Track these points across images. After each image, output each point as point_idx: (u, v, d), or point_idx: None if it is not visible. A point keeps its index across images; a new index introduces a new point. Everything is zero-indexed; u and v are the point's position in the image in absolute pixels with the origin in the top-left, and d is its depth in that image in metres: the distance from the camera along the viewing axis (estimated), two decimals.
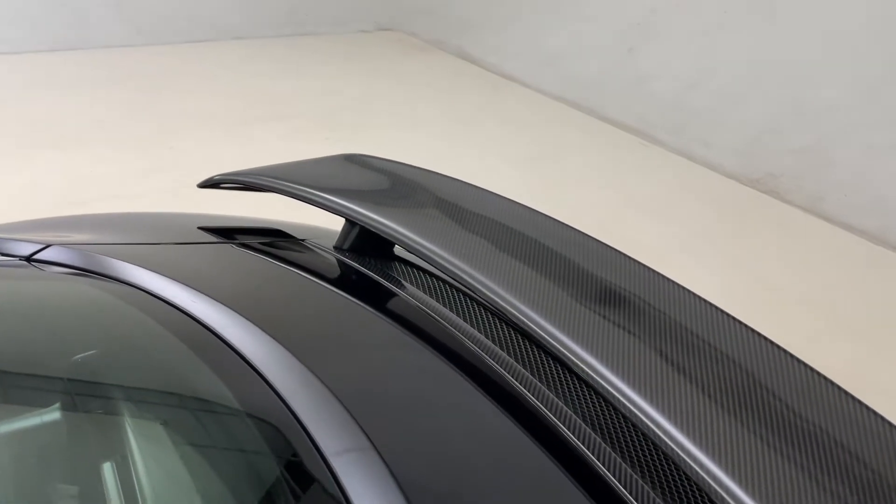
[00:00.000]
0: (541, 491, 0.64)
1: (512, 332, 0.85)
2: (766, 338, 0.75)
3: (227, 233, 1.14)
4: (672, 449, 0.62)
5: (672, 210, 3.46)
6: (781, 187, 3.74)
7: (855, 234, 3.34)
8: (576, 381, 0.76)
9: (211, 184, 1.19)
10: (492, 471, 0.65)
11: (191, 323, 0.80)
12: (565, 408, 0.72)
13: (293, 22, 6.39)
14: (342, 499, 0.57)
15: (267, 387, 0.69)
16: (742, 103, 4.29)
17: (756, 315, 2.55)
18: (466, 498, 0.62)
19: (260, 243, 1.09)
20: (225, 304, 0.81)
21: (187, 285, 0.86)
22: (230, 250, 1.06)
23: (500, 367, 0.78)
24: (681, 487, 0.64)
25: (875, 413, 0.66)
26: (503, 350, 0.81)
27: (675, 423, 0.64)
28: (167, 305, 0.83)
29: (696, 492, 0.62)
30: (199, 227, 1.15)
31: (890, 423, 0.65)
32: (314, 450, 0.62)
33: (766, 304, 2.68)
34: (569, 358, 0.72)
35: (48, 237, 1.00)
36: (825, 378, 0.71)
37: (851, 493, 0.58)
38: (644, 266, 0.87)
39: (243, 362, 0.72)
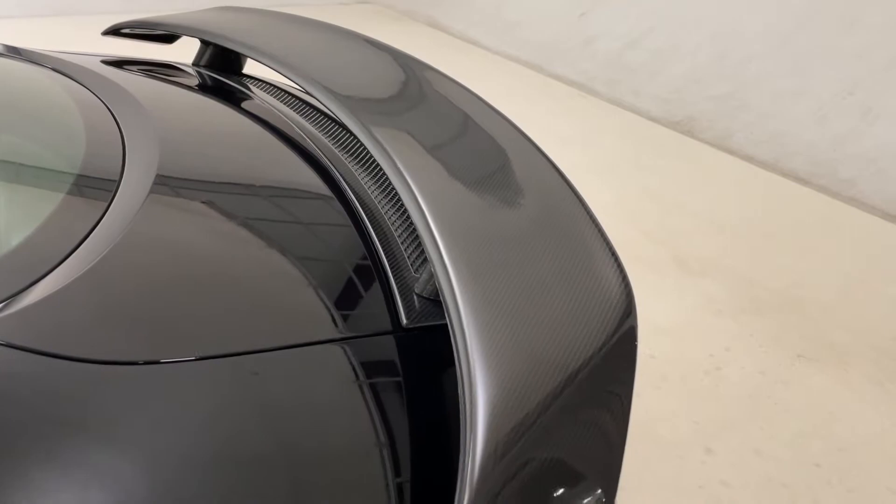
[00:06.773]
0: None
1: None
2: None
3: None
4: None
5: (589, 143, 3.82)
6: (697, 128, 4.10)
7: (753, 165, 3.70)
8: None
9: (113, 30, 1.57)
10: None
11: (79, 87, 1.18)
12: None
13: None
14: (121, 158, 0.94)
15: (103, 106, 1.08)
16: (674, 58, 4.65)
17: (638, 218, 2.91)
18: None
19: (141, 68, 1.48)
20: (103, 77, 1.21)
21: (79, 66, 1.26)
22: (123, 69, 1.45)
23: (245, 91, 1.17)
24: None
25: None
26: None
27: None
28: (59, 74, 1.22)
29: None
30: (102, 60, 1.53)
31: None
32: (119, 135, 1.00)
33: (649, 212, 3.05)
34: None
35: None
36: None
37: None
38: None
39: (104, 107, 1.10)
